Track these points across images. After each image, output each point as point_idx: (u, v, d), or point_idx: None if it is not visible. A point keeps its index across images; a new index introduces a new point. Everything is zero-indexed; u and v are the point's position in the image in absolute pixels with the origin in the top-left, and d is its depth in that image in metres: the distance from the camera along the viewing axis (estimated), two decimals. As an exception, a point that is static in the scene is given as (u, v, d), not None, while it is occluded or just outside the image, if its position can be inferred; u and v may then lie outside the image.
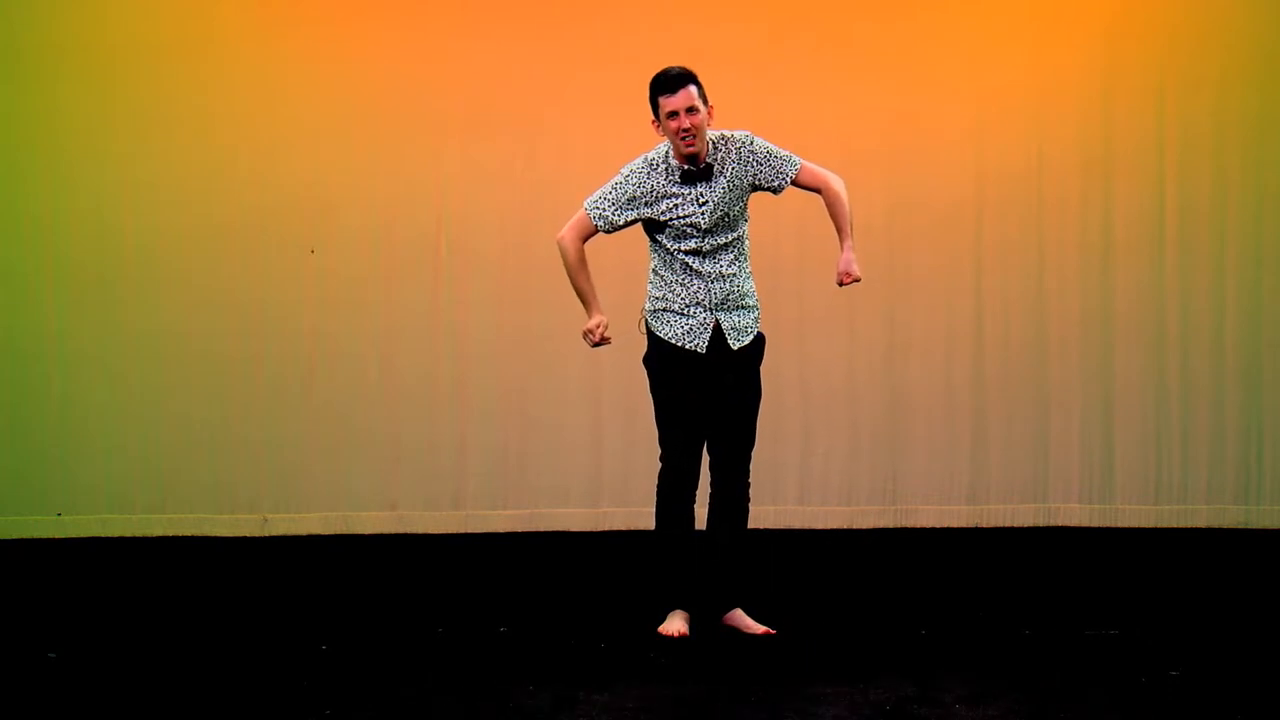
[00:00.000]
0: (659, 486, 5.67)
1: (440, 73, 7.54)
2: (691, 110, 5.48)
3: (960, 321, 7.58)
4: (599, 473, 7.62)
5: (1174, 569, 6.78)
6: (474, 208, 7.57)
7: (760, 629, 5.67)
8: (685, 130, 5.47)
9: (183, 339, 7.53)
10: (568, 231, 5.65)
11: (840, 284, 5.60)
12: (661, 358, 5.64)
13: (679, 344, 5.59)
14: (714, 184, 5.55)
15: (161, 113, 7.52)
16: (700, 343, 5.60)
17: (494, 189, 7.56)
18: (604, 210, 5.60)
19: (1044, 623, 5.79)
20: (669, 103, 5.49)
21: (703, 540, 5.71)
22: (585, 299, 5.66)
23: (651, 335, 5.68)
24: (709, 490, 5.74)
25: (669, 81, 5.50)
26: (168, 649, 5.55)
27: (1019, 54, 7.52)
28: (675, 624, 5.63)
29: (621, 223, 5.62)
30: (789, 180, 5.61)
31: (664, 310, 5.63)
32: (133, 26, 7.50)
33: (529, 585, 6.59)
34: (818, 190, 5.65)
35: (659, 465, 5.67)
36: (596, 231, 5.63)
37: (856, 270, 5.57)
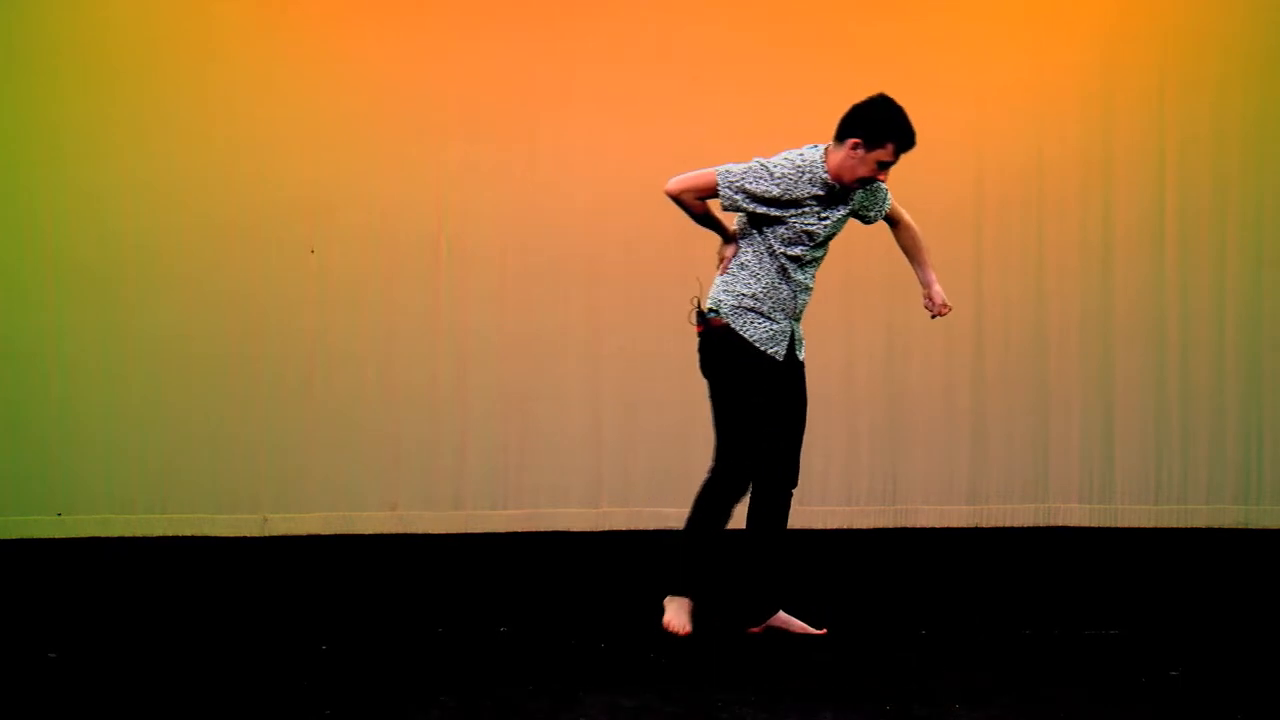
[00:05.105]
0: (722, 490, 5.50)
1: (440, 73, 7.54)
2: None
3: (960, 322, 7.57)
4: (599, 473, 7.62)
5: (1174, 569, 6.78)
6: (474, 208, 7.57)
7: (809, 629, 5.66)
8: (882, 178, 5.50)
9: (183, 339, 7.53)
10: (687, 187, 5.41)
11: (940, 315, 5.75)
12: (743, 360, 5.50)
13: (763, 348, 5.52)
14: (844, 206, 5.56)
15: (161, 112, 7.52)
16: (781, 349, 5.54)
17: (494, 189, 7.56)
18: (736, 194, 5.42)
19: (1044, 623, 5.78)
20: (895, 154, 5.43)
21: (749, 543, 5.65)
22: (718, 229, 5.56)
23: (732, 334, 5.50)
24: (757, 494, 5.61)
25: (910, 138, 5.42)
26: (168, 649, 5.55)
27: (1019, 54, 7.52)
28: (680, 619, 5.51)
29: (748, 210, 5.46)
30: (884, 213, 5.70)
31: (751, 310, 5.50)
32: (132, 26, 7.50)
33: (529, 585, 6.59)
34: (896, 221, 5.75)
35: (713, 466, 5.50)
36: (714, 198, 5.46)
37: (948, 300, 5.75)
